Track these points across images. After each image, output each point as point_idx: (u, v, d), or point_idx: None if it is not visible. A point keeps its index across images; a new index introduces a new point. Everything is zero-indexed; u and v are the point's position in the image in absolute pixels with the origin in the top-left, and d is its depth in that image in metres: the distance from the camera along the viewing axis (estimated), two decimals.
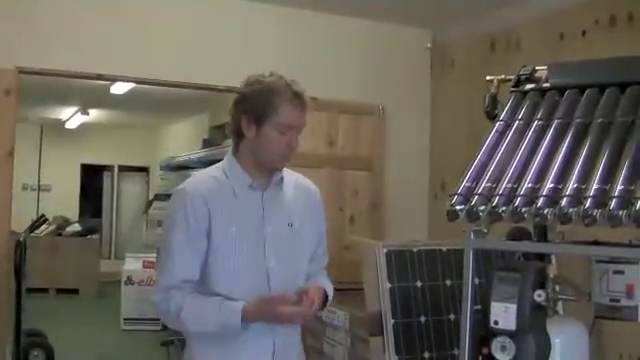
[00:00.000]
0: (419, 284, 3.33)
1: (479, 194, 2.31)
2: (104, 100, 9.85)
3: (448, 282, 3.38)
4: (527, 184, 2.27)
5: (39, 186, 12.97)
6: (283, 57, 4.79)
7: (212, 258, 2.33)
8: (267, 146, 2.33)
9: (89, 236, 11.92)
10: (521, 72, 2.74)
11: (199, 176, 2.50)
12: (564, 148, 2.35)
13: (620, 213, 2.04)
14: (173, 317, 2.32)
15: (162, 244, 2.40)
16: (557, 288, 2.33)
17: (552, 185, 2.22)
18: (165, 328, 8.06)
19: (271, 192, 2.42)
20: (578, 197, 2.14)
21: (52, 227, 11.30)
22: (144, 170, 14.31)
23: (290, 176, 2.50)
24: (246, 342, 2.31)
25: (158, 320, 8.38)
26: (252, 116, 2.33)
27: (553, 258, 2.66)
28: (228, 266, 2.33)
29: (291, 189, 2.48)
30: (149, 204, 11.25)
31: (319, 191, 2.59)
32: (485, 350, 2.24)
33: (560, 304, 2.50)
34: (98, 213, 14.13)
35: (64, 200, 12.97)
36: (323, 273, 2.59)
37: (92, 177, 14.19)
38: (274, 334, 2.35)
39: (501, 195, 2.27)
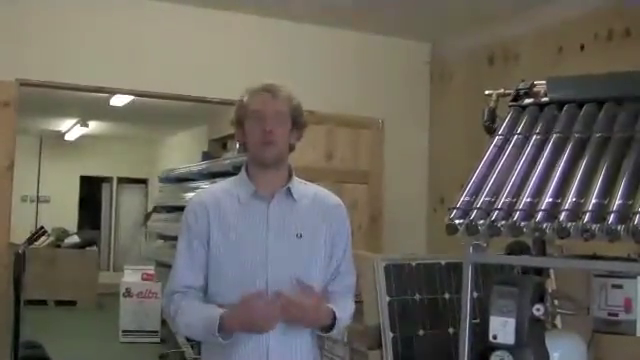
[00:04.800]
0: (418, 298, 3.32)
1: (478, 208, 2.31)
2: (103, 112, 9.87)
3: (447, 296, 3.37)
4: (526, 198, 2.27)
5: (38, 198, 12.96)
6: (281, 70, 4.80)
7: (212, 265, 2.37)
8: (250, 139, 2.39)
9: (88, 248, 11.91)
10: (520, 86, 2.75)
11: (210, 187, 2.61)
12: (562, 163, 2.35)
13: (618, 227, 2.05)
14: (172, 320, 2.41)
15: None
16: (556, 302, 2.33)
17: (551, 200, 2.22)
18: (163, 341, 8.07)
19: (279, 202, 2.40)
20: (577, 212, 2.14)
21: (51, 239, 11.29)
22: (143, 182, 14.31)
23: (308, 189, 2.50)
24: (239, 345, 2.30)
25: (156, 332, 8.39)
26: (237, 122, 2.43)
27: (552, 272, 2.66)
28: (227, 274, 2.34)
29: (307, 201, 2.45)
30: (148, 216, 11.22)
31: (343, 205, 2.56)
32: None
33: (559, 318, 2.50)
34: (97, 225, 14.13)
35: (63, 212, 12.97)
36: (345, 294, 2.49)
37: (91, 189, 14.19)
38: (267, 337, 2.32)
39: (500, 209, 2.27)
